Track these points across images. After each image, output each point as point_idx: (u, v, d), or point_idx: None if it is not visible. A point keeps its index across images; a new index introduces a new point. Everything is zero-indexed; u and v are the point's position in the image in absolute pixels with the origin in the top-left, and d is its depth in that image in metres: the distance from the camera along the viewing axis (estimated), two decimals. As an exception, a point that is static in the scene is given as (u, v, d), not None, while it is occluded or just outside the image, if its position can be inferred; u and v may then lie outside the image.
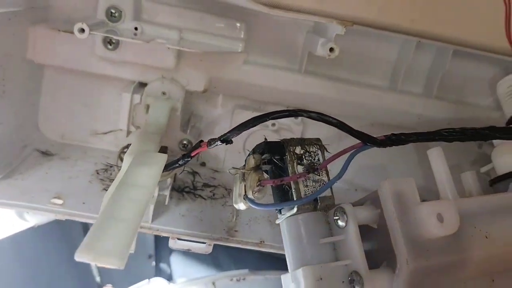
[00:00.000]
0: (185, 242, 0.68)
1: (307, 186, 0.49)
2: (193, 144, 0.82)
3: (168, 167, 0.61)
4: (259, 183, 0.51)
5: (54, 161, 0.79)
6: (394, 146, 0.49)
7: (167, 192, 0.70)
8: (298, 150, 0.51)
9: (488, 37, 0.76)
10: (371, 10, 0.66)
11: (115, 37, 0.67)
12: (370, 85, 0.83)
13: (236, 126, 0.52)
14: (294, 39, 0.80)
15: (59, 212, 0.65)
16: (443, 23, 0.76)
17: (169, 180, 0.71)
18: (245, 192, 0.52)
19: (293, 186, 0.49)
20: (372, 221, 0.48)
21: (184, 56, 0.76)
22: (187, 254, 1.28)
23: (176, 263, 1.32)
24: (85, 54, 0.75)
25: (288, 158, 0.50)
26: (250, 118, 0.51)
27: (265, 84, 0.80)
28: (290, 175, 0.49)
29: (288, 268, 0.50)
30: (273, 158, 0.51)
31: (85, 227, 1.01)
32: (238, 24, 0.77)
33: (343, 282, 0.44)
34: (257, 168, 0.52)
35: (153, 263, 1.31)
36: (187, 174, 0.84)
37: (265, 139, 0.53)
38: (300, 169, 0.50)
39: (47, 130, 0.84)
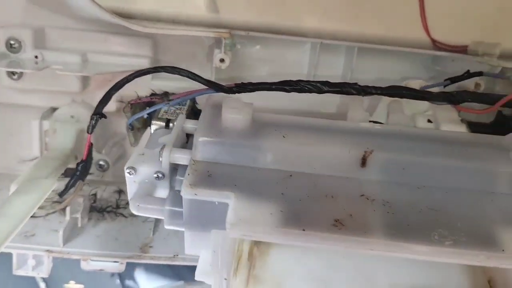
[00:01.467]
0: (98, 262, 0.69)
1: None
2: (108, 162, 0.84)
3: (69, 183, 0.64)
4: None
5: (-22, 193, 0.80)
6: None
7: (79, 214, 0.71)
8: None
9: (404, 30, 0.77)
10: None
11: (8, 69, 0.68)
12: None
13: (103, 97, 0.61)
14: (198, 50, 0.80)
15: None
16: (345, 20, 0.77)
17: (82, 202, 0.72)
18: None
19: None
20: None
21: (91, 78, 0.77)
22: (149, 267, 1.29)
23: (142, 277, 1.33)
24: (-6, 86, 0.76)
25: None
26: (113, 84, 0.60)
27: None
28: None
29: None
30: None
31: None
32: (144, 41, 0.78)
33: (159, 160, 0.52)
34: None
35: (117, 281, 1.33)
36: (112, 193, 0.85)
37: None
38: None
39: (-27, 162, 0.86)
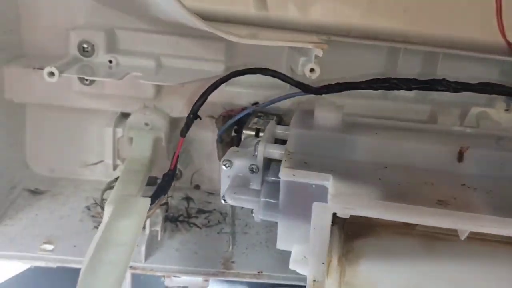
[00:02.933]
0: (181, 279, 0.66)
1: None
2: (181, 171, 0.81)
3: (156, 194, 0.63)
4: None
5: (45, 199, 0.77)
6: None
7: (159, 227, 0.68)
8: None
9: (480, 34, 0.72)
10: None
11: (86, 77, 0.64)
12: (360, 95, 0.79)
13: (199, 98, 0.63)
14: (275, 56, 0.76)
15: (49, 260, 0.64)
16: (429, 24, 0.73)
17: (160, 213, 0.69)
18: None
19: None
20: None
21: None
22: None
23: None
24: (63, 90, 0.73)
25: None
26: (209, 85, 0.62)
27: (247, 104, 0.77)
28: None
29: None
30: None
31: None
32: (217, 45, 0.73)
33: (253, 156, 0.58)
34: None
35: None
36: (180, 201, 0.82)
37: None
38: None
39: (36, 166, 0.83)
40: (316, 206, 0.50)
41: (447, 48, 0.72)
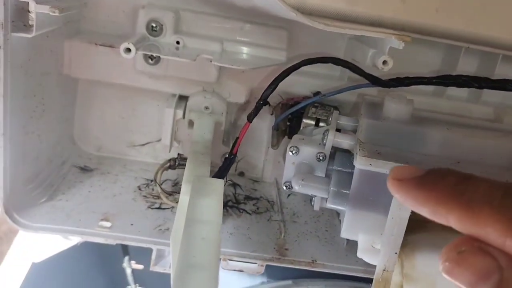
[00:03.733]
0: (237, 263, 0.67)
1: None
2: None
3: (220, 175, 0.64)
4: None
5: (95, 177, 0.77)
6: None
7: (214, 211, 0.69)
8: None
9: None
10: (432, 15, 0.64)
11: (161, 56, 0.64)
12: (416, 91, 0.80)
13: (270, 84, 0.62)
14: (335, 45, 0.77)
15: (109, 237, 0.64)
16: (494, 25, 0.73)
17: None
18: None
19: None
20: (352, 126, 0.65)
21: (225, 69, 0.73)
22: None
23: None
24: (124, 68, 0.72)
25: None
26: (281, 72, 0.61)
27: (306, 93, 0.77)
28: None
29: None
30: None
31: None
32: (280, 33, 0.74)
33: (319, 144, 0.60)
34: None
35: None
36: (227, 187, 0.82)
37: None
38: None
39: (83, 143, 0.83)
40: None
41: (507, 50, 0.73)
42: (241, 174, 0.87)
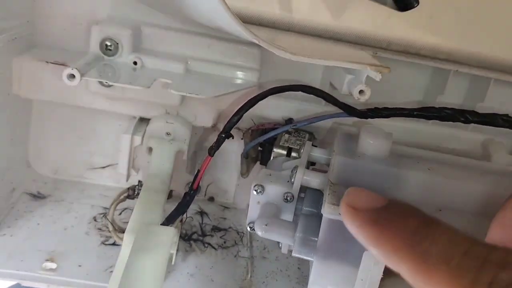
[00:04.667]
0: (196, 310, 0.61)
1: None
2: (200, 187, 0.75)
3: (175, 215, 0.59)
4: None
5: (47, 205, 0.71)
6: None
7: (174, 249, 0.62)
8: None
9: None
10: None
11: (109, 83, 0.57)
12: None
13: (234, 114, 0.57)
14: (311, 68, 0.70)
15: (52, 282, 0.57)
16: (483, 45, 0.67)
17: (175, 234, 0.63)
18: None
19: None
20: (325, 158, 0.58)
21: (190, 91, 0.66)
22: None
23: None
24: (78, 90, 0.65)
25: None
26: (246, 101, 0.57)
27: (280, 117, 0.71)
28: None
29: None
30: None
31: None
32: (252, 51, 0.67)
33: (287, 181, 0.54)
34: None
35: None
36: (194, 215, 0.76)
37: None
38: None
39: (39, 166, 0.76)
40: (366, 255, 0.45)
41: (499, 73, 0.67)
42: (211, 199, 0.81)
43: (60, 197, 0.73)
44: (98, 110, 0.69)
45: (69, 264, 0.60)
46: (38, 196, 0.72)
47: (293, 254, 0.53)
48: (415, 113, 0.56)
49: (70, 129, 0.74)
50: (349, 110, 0.58)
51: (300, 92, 0.70)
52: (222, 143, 0.58)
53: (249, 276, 0.65)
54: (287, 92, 0.68)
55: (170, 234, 0.48)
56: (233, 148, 0.76)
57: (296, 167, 0.55)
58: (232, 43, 0.66)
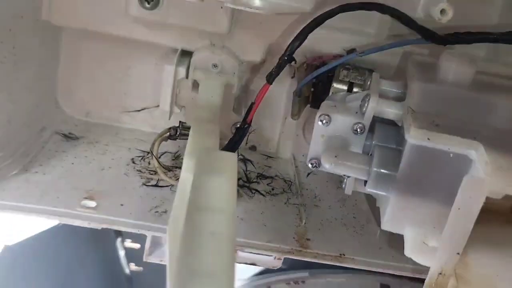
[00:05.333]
0: (249, 254, 0.55)
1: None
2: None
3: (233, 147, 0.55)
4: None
5: (80, 146, 0.65)
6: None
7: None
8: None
9: None
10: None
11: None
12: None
13: (297, 35, 0.52)
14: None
15: (93, 220, 0.52)
16: None
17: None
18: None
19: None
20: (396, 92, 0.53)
21: (240, 18, 0.60)
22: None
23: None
24: (115, 14, 0.59)
25: None
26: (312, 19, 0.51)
27: (337, 51, 0.64)
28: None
29: None
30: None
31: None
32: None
33: (356, 112, 0.50)
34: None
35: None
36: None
37: None
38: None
39: (69, 107, 0.70)
40: (469, 182, 0.39)
41: None
42: (253, 148, 0.74)
43: (93, 139, 0.67)
44: (135, 43, 0.63)
45: (109, 203, 0.54)
46: (70, 137, 0.66)
47: (368, 189, 0.48)
48: (505, 37, 0.50)
49: (104, 66, 0.68)
50: (427, 34, 0.51)
51: (359, 25, 0.64)
52: (283, 68, 0.52)
53: (303, 222, 0.59)
54: (345, 25, 0.62)
55: (234, 158, 0.42)
56: (279, 92, 0.70)
57: (368, 95, 0.49)
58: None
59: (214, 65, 0.59)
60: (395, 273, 0.57)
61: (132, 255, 1.10)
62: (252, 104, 0.54)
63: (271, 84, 0.52)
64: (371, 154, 0.49)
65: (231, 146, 0.52)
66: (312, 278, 0.73)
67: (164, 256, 0.58)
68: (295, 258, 0.56)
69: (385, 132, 0.50)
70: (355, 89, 0.57)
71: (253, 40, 0.62)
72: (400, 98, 0.51)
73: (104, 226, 0.52)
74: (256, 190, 0.65)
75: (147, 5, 0.57)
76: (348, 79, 0.58)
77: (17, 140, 0.59)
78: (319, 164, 0.51)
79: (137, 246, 1.17)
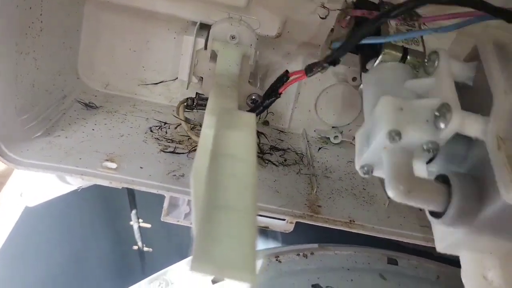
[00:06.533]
0: (263, 218, 0.57)
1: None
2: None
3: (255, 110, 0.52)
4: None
5: (100, 115, 0.67)
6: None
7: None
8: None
9: None
10: None
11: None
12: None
13: (350, 36, 0.44)
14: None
15: (114, 179, 0.54)
16: None
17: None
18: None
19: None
20: (467, 76, 0.40)
21: (256, -9, 0.62)
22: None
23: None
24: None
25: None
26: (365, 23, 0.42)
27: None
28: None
29: (365, 117, 0.43)
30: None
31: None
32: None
33: (427, 121, 0.36)
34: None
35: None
36: (250, 135, 0.72)
37: None
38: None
39: (89, 78, 0.72)
40: None
41: None
42: (265, 123, 0.77)
43: (112, 109, 0.69)
44: (155, 16, 0.65)
45: (129, 165, 0.57)
46: (90, 106, 0.68)
47: (441, 224, 0.37)
48: None
49: (123, 39, 0.70)
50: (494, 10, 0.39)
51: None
52: (325, 70, 0.46)
53: (314, 191, 0.61)
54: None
55: (253, 117, 0.44)
56: (292, 66, 0.72)
57: (446, 107, 0.35)
58: None
59: (232, 37, 0.61)
60: (404, 241, 0.59)
61: (143, 235, 1.13)
62: (285, 74, 0.51)
63: (308, 77, 0.47)
64: (441, 178, 0.38)
65: (255, 109, 0.53)
66: (321, 250, 0.74)
67: (181, 217, 0.61)
68: (302, 227, 0.58)
69: (456, 150, 0.39)
70: (409, 57, 0.45)
71: (269, 14, 0.64)
72: (467, 87, 0.40)
73: (125, 185, 0.54)
74: (269, 161, 0.67)
75: (168, -24, 0.59)
76: (404, 43, 0.45)
77: (40, 105, 0.61)
78: (372, 170, 0.41)
79: (147, 225, 1.20)
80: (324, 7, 0.63)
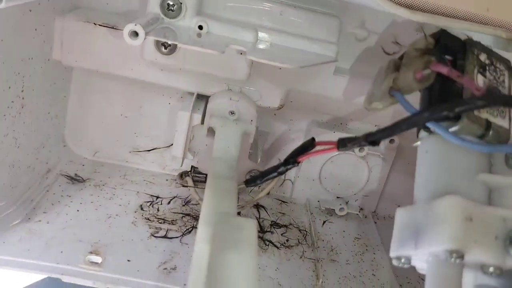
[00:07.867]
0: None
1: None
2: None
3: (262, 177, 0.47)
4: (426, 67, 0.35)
5: (87, 189, 0.62)
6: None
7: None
8: (483, 57, 0.37)
9: None
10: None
11: (179, 44, 0.48)
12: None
13: (390, 127, 0.35)
14: (391, 36, 0.60)
15: (98, 278, 0.48)
16: None
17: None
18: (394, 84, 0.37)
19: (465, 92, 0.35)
20: None
21: (258, 64, 0.57)
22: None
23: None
24: (130, 57, 0.57)
25: (470, 59, 0.36)
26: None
27: (356, 100, 0.61)
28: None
29: (416, 194, 0.35)
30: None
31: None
32: (330, 22, 0.57)
33: (496, 237, 0.29)
34: (425, 52, 0.38)
35: None
36: (249, 209, 0.67)
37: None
38: (480, 79, 0.36)
39: (76, 145, 0.67)
40: None
41: None
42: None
43: (100, 182, 0.64)
44: (148, 84, 0.60)
45: (116, 258, 0.51)
46: (76, 179, 0.63)
47: None
48: None
49: (114, 104, 0.66)
50: None
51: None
52: (358, 146, 0.39)
53: (320, 281, 0.56)
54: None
55: (253, 226, 0.39)
56: (297, 127, 0.68)
57: None
58: (307, 12, 0.57)
59: (231, 112, 0.57)
60: None
61: None
62: (310, 141, 0.44)
63: (340, 150, 0.41)
64: None
65: (248, 181, 0.47)
66: None
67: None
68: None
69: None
70: (496, 123, 0.35)
71: (271, 85, 0.59)
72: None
73: (110, 286, 0.49)
74: (270, 242, 0.61)
75: (164, 50, 0.55)
76: (486, 115, 0.34)
77: (21, 185, 0.56)
78: (410, 261, 0.34)
79: None
80: (396, 43, 0.59)
